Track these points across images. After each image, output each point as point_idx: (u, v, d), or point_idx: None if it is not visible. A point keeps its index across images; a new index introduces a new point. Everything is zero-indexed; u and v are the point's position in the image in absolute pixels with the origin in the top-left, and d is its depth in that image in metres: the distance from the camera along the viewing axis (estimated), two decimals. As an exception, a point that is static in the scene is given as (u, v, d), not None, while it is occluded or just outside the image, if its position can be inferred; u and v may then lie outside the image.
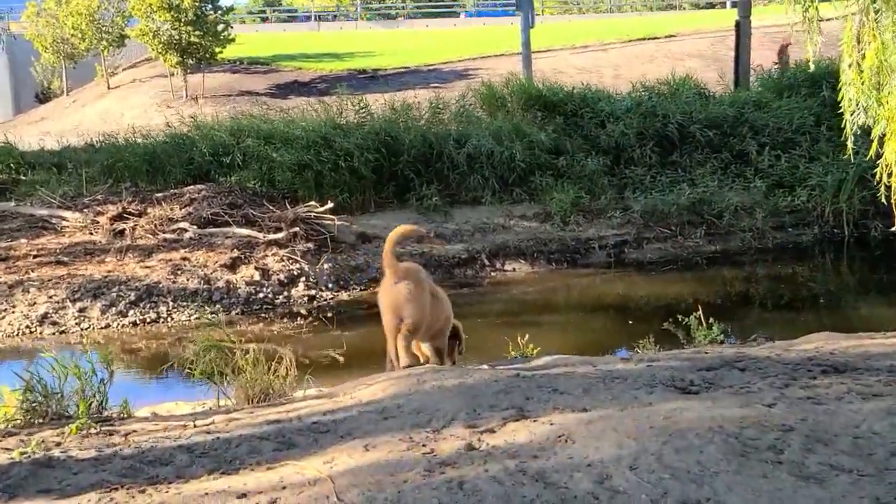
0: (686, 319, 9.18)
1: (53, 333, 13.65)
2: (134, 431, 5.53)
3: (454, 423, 5.01)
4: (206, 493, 4.22)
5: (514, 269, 17.46)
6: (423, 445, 4.67)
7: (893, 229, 9.99)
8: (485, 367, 7.02)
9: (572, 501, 3.87)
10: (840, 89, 9.36)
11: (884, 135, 9.22)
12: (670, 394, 5.24)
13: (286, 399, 6.93)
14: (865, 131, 9.35)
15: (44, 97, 49.73)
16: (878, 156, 9.39)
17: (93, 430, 5.56)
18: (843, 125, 9.31)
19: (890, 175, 9.36)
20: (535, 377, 5.86)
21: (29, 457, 4.96)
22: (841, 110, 9.30)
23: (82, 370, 6.71)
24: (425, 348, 8.19)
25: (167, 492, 4.31)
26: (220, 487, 4.30)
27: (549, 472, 4.14)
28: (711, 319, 9.08)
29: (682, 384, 5.47)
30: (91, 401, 6.52)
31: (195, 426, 5.60)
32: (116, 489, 4.39)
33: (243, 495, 4.16)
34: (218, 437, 5.19)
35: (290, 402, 6.33)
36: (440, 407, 5.27)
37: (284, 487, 4.24)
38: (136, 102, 39.15)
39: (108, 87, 43.02)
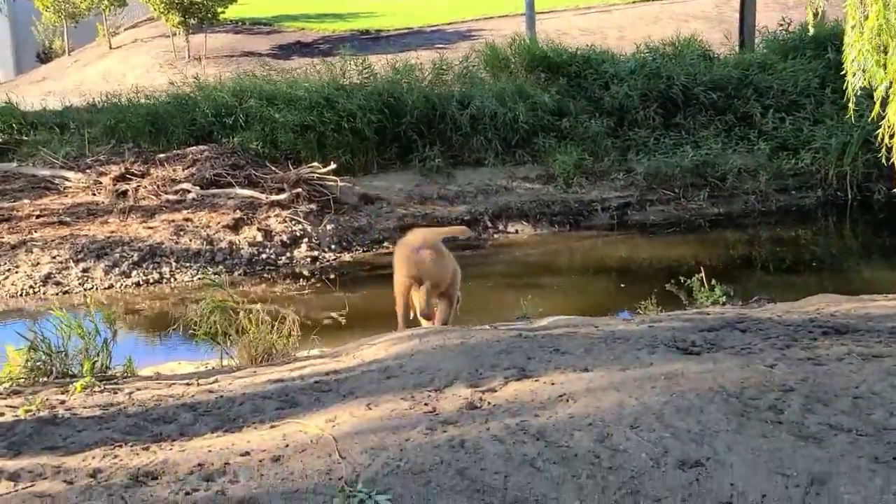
0: (688, 281, 9.20)
1: (57, 294, 13.67)
2: (138, 390, 5.55)
3: (456, 382, 5.02)
4: (210, 451, 4.24)
5: (516, 231, 17.48)
6: (425, 404, 4.68)
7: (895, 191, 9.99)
8: (487, 327, 7.03)
9: (573, 460, 3.90)
10: (844, 51, 9.34)
11: (886, 96, 9.20)
12: (672, 354, 5.24)
13: (289, 359, 6.95)
14: (869, 93, 9.33)
15: (45, 57, 49.60)
16: (881, 117, 9.37)
17: (97, 389, 5.58)
18: (845, 87, 9.29)
19: (892, 136, 9.35)
20: (537, 337, 5.86)
21: (34, 414, 4.99)
22: (845, 72, 9.28)
23: (86, 330, 6.73)
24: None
25: (171, 449, 4.34)
26: (223, 444, 4.32)
27: (549, 430, 4.16)
28: (714, 281, 9.09)
29: (684, 345, 5.47)
30: (95, 360, 6.54)
31: (198, 385, 5.62)
32: (121, 446, 4.42)
33: (247, 453, 4.18)
34: (221, 396, 5.22)
35: (293, 362, 6.35)
36: (442, 366, 5.28)
37: (287, 445, 4.26)
38: (137, 62, 39.06)
39: (110, 47, 42.90)
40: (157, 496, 3.79)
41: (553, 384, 4.78)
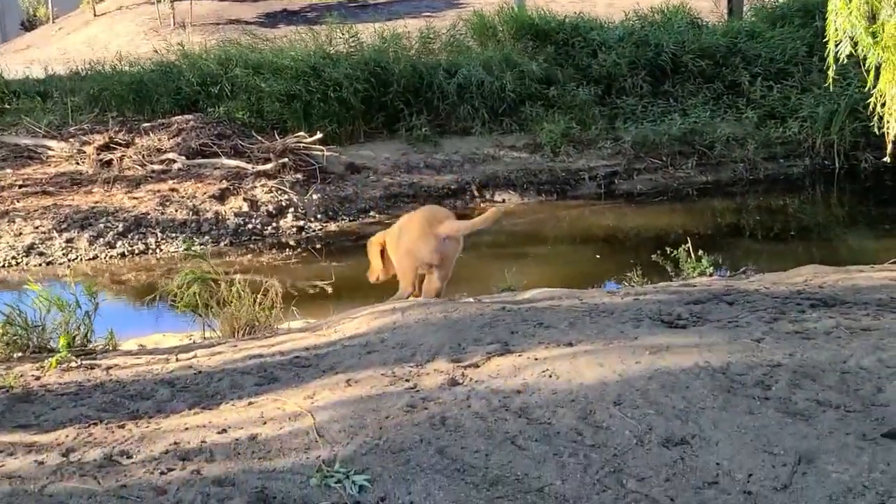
0: (675, 252, 9.09)
1: (40, 265, 13.54)
2: (116, 365, 5.46)
3: (438, 357, 4.93)
4: (187, 428, 4.17)
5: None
6: (406, 381, 4.60)
7: (885, 160, 9.90)
8: (470, 300, 6.91)
9: (555, 437, 3.82)
10: (827, 18, 9.23)
11: (879, 64, 9.09)
12: (657, 328, 5.15)
13: (270, 332, 6.87)
14: (856, 62, 9.23)
15: (29, 25, 49.18)
16: (874, 86, 9.28)
17: (73, 364, 5.48)
18: (826, 54, 9.20)
19: (883, 105, 9.25)
20: (521, 311, 5.76)
21: (7, 391, 4.89)
22: (827, 40, 9.18)
23: (66, 302, 6.65)
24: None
25: (147, 426, 4.26)
26: (200, 422, 4.25)
27: (532, 407, 4.09)
28: (700, 251, 8.98)
29: (669, 318, 5.38)
30: (75, 333, 6.46)
31: (177, 360, 5.53)
32: (96, 424, 4.33)
33: (224, 430, 4.11)
34: (200, 372, 5.13)
35: (274, 336, 6.25)
36: (424, 341, 5.19)
37: (265, 422, 4.18)
38: (122, 30, 38.67)
39: (94, 15, 42.44)
40: (131, 475, 3.72)
41: (536, 359, 4.70)
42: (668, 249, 9.21)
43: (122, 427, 4.26)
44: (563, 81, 20.23)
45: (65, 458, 3.89)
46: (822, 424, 3.80)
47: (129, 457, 3.90)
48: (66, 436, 4.17)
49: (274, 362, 5.18)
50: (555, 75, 20.39)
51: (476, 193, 17.34)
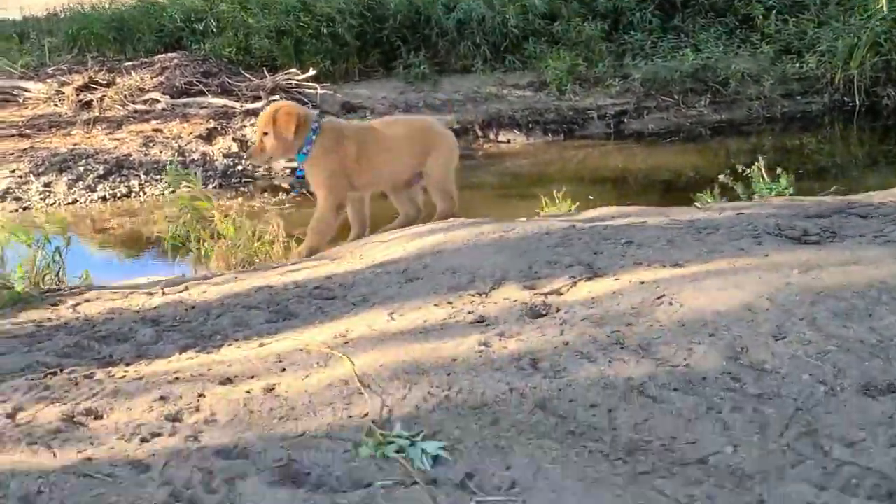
0: (748, 171, 8.02)
1: (16, 210, 12.63)
2: (86, 301, 4.28)
3: (505, 283, 3.76)
4: (177, 378, 3.02)
5: (508, 141, 16.48)
6: (469, 312, 3.44)
7: None
8: (523, 219, 5.70)
9: (701, 385, 2.69)
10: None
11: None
12: (784, 244, 3.96)
13: (277, 264, 5.80)
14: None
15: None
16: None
17: (33, 300, 4.31)
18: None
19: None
20: (596, 229, 4.55)
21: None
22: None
23: (32, 236, 5.61)
24: None
25: (123, 376, 3.10)
26: (195, 370, 3.08)
27: (654, 343, 2.91)
28: (779, 169, 7.90)
29: (794, 233, 4.20)
30: (45, 272, 5.42)
31: (164, 294, 4.34)
32: (55, 374, 3.16)
33: (228, 380, 2.95)
34: (193, 307, 3.94)
35: (282, 266, 5.08)
36: (482, 265, 4.03)
37: (284, 370, 3.02)
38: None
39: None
40: (100, 444, 2.59)
41: (642, 283, 3.53)
42: (738, 168, 8.14)
43: (90, 377, 3.10)
44: (567, 16, 19.22)
45: (10, 421, 2.79)
46: None
47: (98, 417, 2.78)
48: (14, 389, 3.05)
49: (288, 295, 4.00)
50: (559, 10, 19.38)
51: (479, 134, 16.46)
